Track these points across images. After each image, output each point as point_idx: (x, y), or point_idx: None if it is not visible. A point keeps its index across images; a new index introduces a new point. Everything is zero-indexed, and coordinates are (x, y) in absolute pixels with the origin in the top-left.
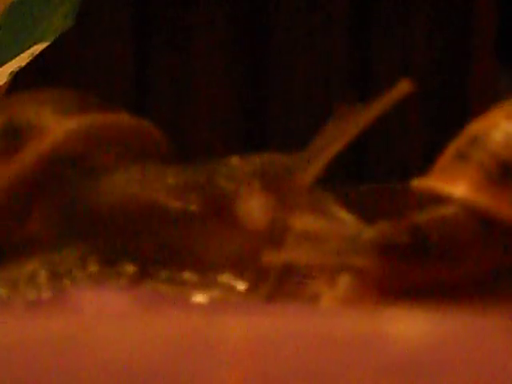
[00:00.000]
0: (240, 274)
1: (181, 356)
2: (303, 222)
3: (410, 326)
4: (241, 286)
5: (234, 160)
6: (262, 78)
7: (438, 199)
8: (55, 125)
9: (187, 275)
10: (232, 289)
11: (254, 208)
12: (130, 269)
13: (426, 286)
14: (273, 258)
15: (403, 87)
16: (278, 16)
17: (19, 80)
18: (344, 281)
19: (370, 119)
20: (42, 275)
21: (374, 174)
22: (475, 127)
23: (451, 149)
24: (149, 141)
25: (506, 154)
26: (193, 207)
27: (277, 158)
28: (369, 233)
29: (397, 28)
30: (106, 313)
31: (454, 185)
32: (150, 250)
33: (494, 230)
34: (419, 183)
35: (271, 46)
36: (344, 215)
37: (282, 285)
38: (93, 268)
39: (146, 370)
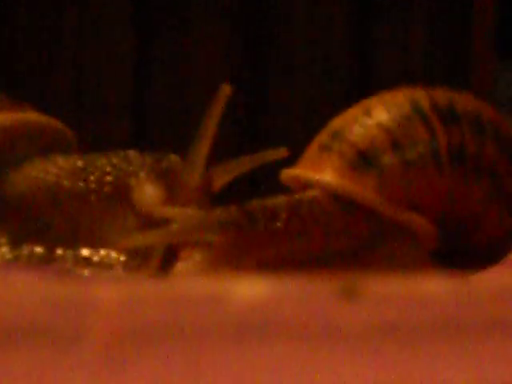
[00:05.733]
0: (130, 250)
1: (55, 315)
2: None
3: (248, 289)
4: (131, 262)
5: (133, 152)
6: (261, 69)
7: (306, 186)
8: None
9: (86, 252)
10: (125, 265)
11: (148, 194)
12: (39, 250)
13: (290, 260)
14: (133, 240)
15: (224, 91)
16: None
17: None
18: (197, 255)
19: (212, 130)
20: None
21: None
22: (336, 122)
23: (315, 142)
24: (56, 135)
25: (363, 143)
26: (92, 187)
27: (172, 158)
28: (215, 213)
29: (396, 26)
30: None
31: (319, 172)
32: (57, 230)
33: (356, 212)
34: (288, 172)
35: (271, 33)
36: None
37: (168, 261)
38: (3, 249)
39: (25, 326)
